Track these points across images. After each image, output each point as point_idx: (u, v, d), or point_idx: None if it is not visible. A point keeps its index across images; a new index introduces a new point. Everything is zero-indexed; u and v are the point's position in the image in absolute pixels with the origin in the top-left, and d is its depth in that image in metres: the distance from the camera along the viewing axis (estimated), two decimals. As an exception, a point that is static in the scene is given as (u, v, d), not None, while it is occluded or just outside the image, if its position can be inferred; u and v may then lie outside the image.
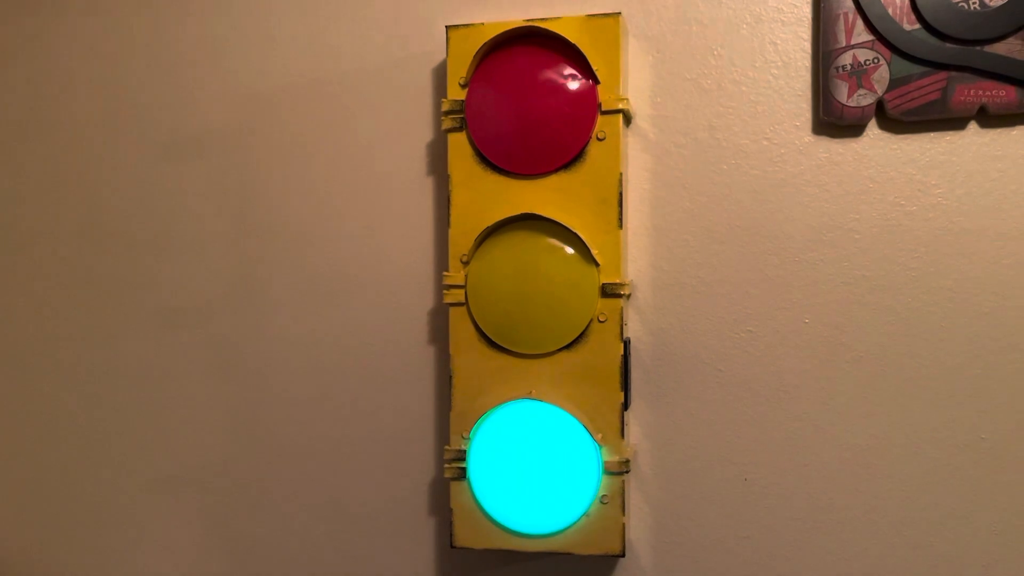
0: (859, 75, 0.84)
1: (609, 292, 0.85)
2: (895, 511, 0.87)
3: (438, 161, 0.96)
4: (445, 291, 0.89)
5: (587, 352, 0.86)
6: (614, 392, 0.86)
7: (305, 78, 1.00)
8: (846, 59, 0.84)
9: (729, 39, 0.90)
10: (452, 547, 0.89)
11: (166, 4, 1.04)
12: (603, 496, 0.86)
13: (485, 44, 0.86)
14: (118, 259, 1.06)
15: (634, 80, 0.91)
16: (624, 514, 0.86)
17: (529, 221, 0.87)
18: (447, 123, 0.89)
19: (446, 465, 0.89)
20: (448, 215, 0.89)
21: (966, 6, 0.82)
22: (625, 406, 0.86)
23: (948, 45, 0.83)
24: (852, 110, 0.85)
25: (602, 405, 0.86)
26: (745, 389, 0.90)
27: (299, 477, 1.02)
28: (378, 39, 0.98)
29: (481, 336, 0.88)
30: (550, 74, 0.86)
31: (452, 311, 0.89)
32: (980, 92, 0.83)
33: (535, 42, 0.87)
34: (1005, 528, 0.85)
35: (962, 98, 0.83)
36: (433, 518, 0.98)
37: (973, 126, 0.85)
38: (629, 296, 0.90)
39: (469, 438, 0.88)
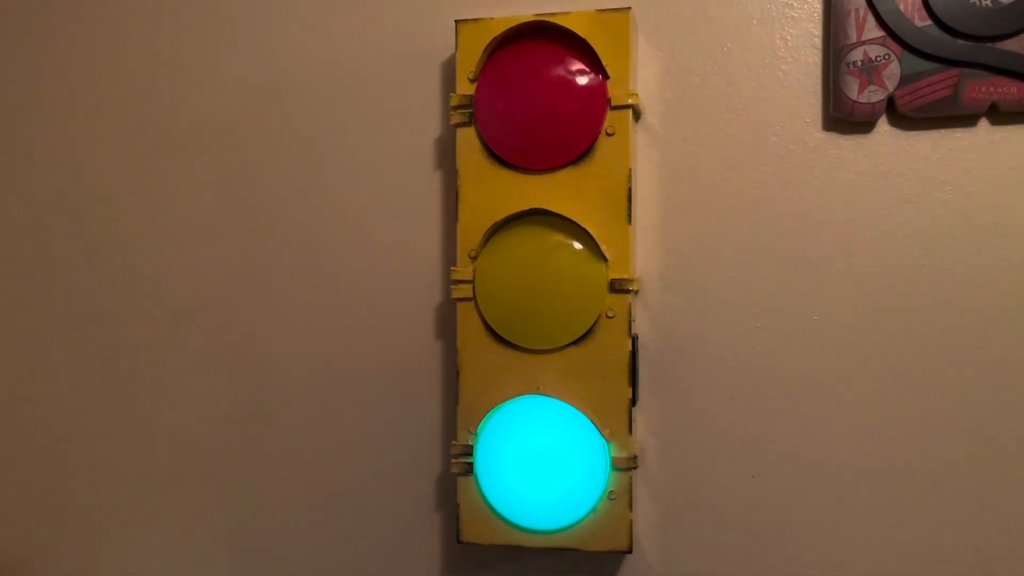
0: (870, 71, 0.84)
1: (617, 288, 0.85)
2: (904, 508, 0.87)
3: (446, 156, 0.96)
4: (453, 286, 0.89)
5: (595, 348, 0.86)
6: (622, 388, 0.86)
7: (312, 72, 1.00)
8: (857, 55, 0.84)
9: (739, 35, 0.89)
10: (459, 542, 0.89)
11: (175, -2, 1.04)
12: (611, 492, 0.86)
13: (495, 39, 0.86)
14: (119, 254, 1.06)
15: (644, 75, 0.91)
16: (631, 510, 0.86)
17: (537, 216, 0.87)
18: (456, 118, 0.88)
19: (453, 460, 0.89)
20: (456, 210, 0.89)
21: (978, 3, 0.82)
22: (633, 402, 0.86)
23: (959, 41, 0.82)
24: (862, 106, 0.85)
25: (610, 401, 0.86)
26: (753, 386, 0.90)
27: (304, 472, 1.02)
28: (387, 33, 0.98)
29: (489, 331, 0.88)
30: (559, 69, 0.86)
31: (460, 306, 0.89)
32: (991, 89, 0.82)
33: (545, 37, 0.87)
34: (1014, 525, 0.85)
35: (973, 95, 0.83)
36: (439, 513, 0.98)
37: (984, 123, 0.84)
38: (637, 292, 0.90)
39: (476, 433, 0.88)
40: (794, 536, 0.89)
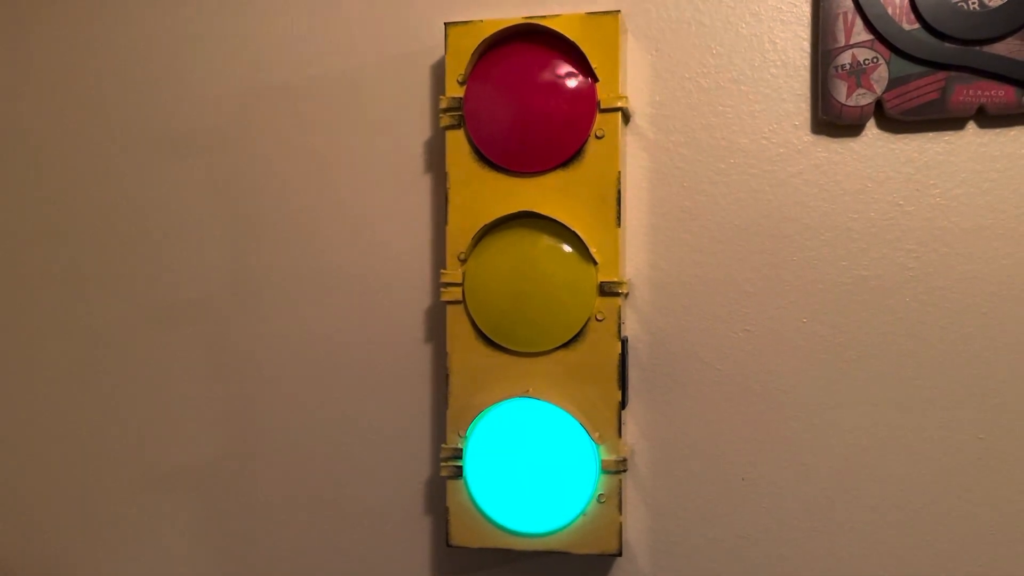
0: (858, 74, 0.84)
1: (607, 291, 0.85)
2: (893, 511, 0.87)
3: (436, 158, 0.96)
4: (442, 289, 0.89)
5: (585, 351, 0.86)
6: (611, 391, 0.86)
7: (303, 74, 1.00)
8: (845, 58, 0.84)
9: (728, 38, 0.90)
10: (448, 546, 0.89)
11: (163, -1, 1.04)
12: (600, 495, 0.85)
13: (484, 41, 0.86)
14: (112, 255, 1.06)
15: (633, 78, 0.91)
16: (621, 513, 0.86)
17: (527, 219, 0.87)
18: (445, 120, 0.88)
19: (442, 463, 0.88)
20: (446, 213, 0.89)
21: (965, 6, 0.82)
22: (622, 405, 0.86)
23: (947, 45, 0.83)
24: (851, 109, 0.85)
25: (599, 404, 0.86)
26: (742, 388, 0.90)
27: (294, 475, 1.01)
28: (377, 35, 0.98)
29: (478, 334, 0.88)
30: (549, 72, 0.86)
31: (449, 309, 0.89)
32: (979, 92, 0.83)
33: (534, 40, 0.87)
34: (1003, 527, 0.85)
35: (961, 98, 0.83)
36: (429, 516, 0.98)
37: (971, 126, 0.85)
38: (627, 295, 0.90)
39: (466, 436, 0.88)
40: (783, 539, 0.89)
